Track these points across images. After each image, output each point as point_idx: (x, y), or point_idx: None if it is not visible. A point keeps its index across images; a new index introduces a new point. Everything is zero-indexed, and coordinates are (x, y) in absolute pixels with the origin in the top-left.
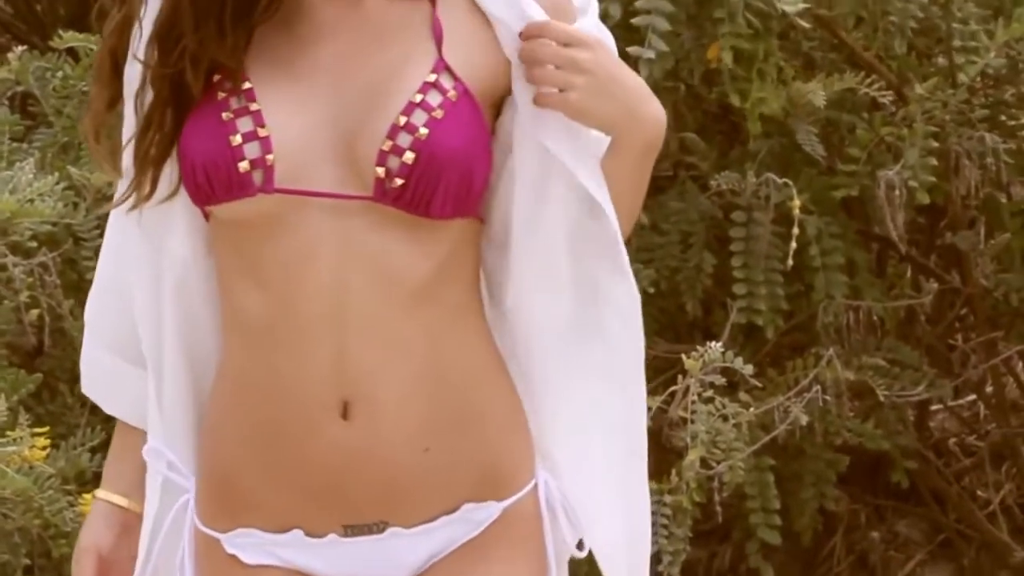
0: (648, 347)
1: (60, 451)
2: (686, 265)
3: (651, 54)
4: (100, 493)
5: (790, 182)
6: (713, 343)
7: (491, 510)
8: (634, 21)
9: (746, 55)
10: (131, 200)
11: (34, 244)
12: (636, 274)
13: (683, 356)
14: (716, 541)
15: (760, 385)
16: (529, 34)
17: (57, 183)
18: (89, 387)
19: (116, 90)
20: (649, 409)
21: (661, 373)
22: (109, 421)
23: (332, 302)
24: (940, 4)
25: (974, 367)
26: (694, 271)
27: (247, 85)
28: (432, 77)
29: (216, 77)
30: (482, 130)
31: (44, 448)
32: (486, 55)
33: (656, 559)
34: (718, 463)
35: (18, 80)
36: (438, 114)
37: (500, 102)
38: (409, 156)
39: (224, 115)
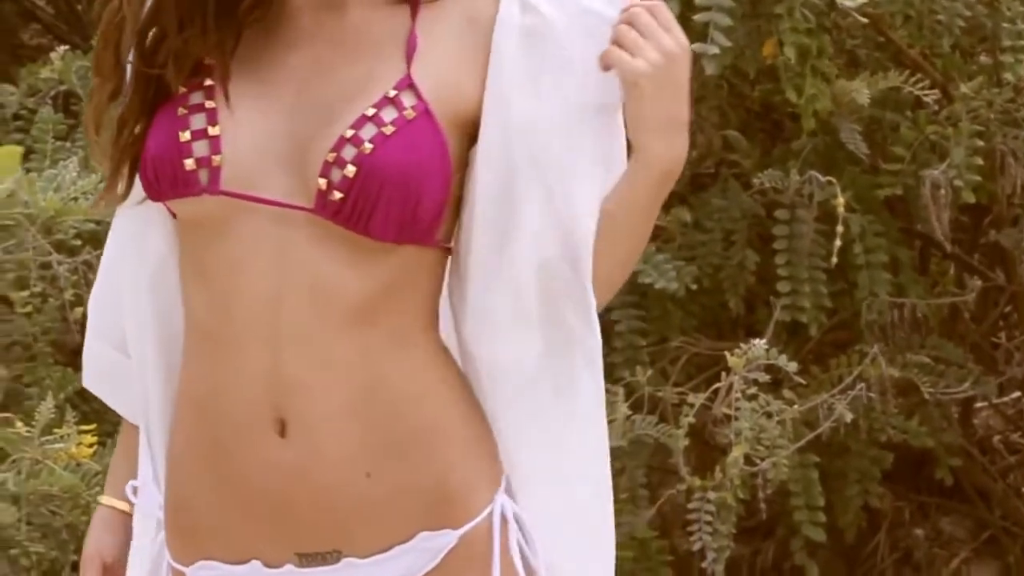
0: (690, 344)
1: (106, 448)
2: (729, 263)
3: (715, 49)
4: (103, 499)
5: (834, 180)
6: (757, 340)
7: (447, 538)
8: (697, 18)
9: (800, 51)
10: (108, 199)
11: (78, 242)
12: (678, 271)
13: (727, 353)
14: (760, 538)
15: (804, 382)
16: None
17: (100, 181)
18: (90, 380)
19: (118, 83)
20: (692, 406)
21: (704, 370)
22: None
23: (266, 313)
24: (986, 3)
25: (1018, 364)
26: (737, 268)
27: (208, 82)
28: (392, 93)
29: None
30: (438, 153)
31: (91, 445)
32: (463, 74)
33: (700, 556)
34: (762, 460)
35: (61, 80)
36: (388, 130)
37: (474, 128)
38: (350, 169)
39: (180, 110)
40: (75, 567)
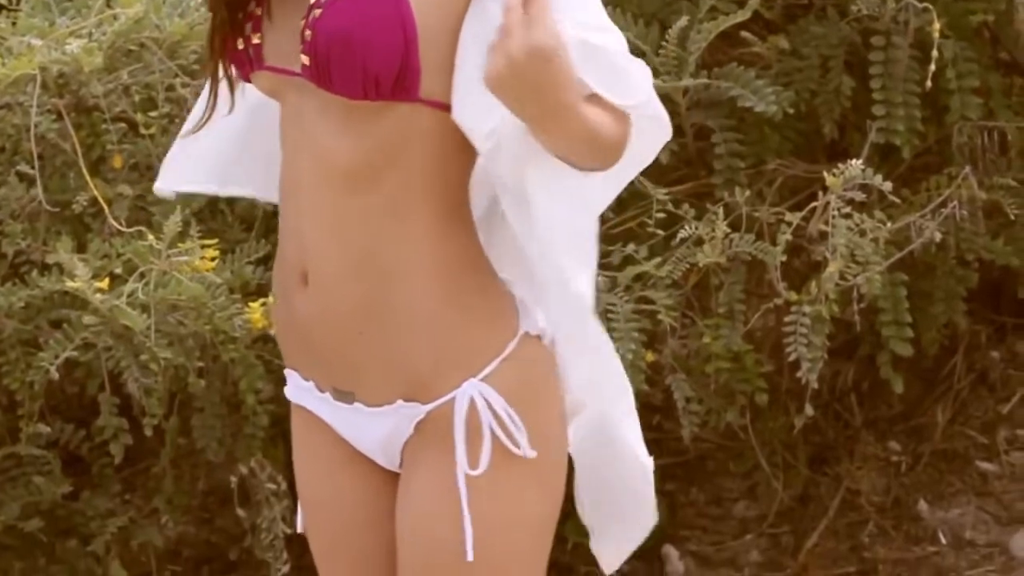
0: (786, 167)
1: (226, 263)
2: (825, 88)
3: None
4: None
5: (930, 7)
6: (853, 160)
7: (416, 410)
8: None
9: None
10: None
11: (199, 67)
12: (776, 95)
13: (824, 173)
14: (841, 360)
15: (897, 200)
16: None
17: None
18: None
19: None
20: (789, 224)
21: (797, 193)
22: (269, 237)
23: (293, 178)
24: None
25: None
26: (832, 94)
27: None
28: None
29: None
30: (391, 9)
31: (212, 259)
32: None
33: (789, 373)
34: (855, 276)
35: None
36: None
37: None
38: (307, 34)
39: None
40: (200, 373)
